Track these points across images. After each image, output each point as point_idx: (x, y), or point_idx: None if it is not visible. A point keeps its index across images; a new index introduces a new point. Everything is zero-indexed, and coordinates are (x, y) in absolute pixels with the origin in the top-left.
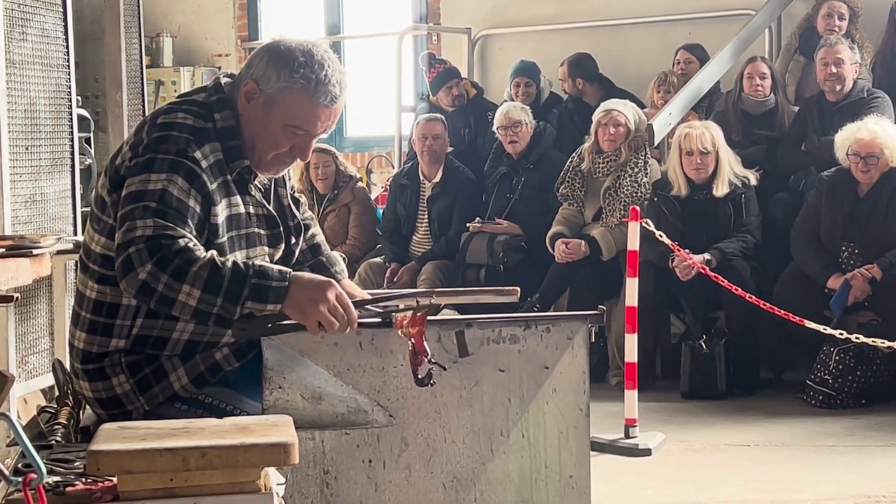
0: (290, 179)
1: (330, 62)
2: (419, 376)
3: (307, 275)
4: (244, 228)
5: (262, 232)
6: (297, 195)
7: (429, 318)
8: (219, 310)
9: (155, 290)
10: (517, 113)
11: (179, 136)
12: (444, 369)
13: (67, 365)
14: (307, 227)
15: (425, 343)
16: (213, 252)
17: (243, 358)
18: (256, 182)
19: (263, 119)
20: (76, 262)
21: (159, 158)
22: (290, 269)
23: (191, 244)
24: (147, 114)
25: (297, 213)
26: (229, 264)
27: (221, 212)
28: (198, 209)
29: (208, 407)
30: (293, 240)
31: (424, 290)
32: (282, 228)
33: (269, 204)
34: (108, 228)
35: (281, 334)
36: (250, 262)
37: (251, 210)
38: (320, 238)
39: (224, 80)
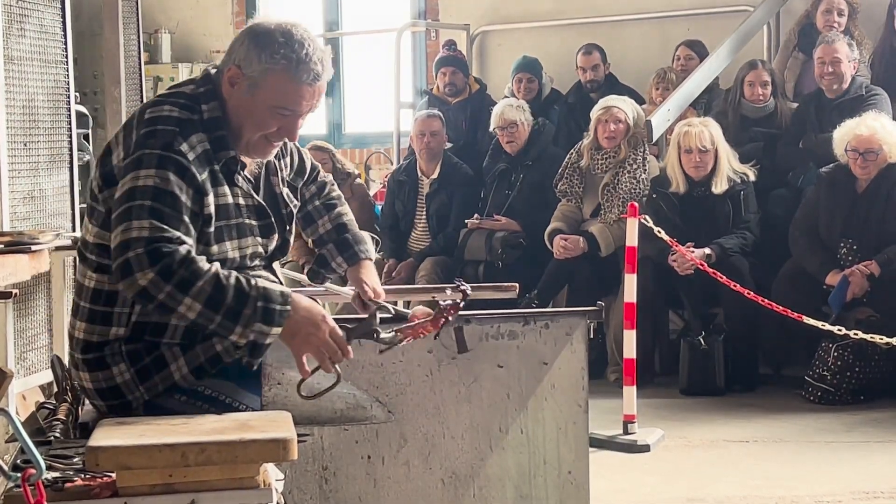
0: (285, 168)
1: (310, 41)
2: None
3: (304, 302)
4: (234, 219)
5: (252, 223)
6: (323, 177)
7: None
8: (216, 326)
9: (155, 298)
10: (512, 113)
11: (165, 130)
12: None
13: (67, 357)
14: (332, 206)
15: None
16: (216, 265)
17: (244, 349)
18: (245, 173)
19: (249, 102)
20: (75, 258)
21: (147, 154)
22: (290, 292)
23: (192, 253)
24: None
25: (291, 201)
26: (232, 281)
27: (211, 203)
28: (189, 203)
29: (208, 399)
30: (287, 228)
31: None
32: (273, 219)
33: (257, 194)
34: (101, 218)
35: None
36: (252, 282)
37: (240, 201)
38: (347, 217)
39: (212, 71)
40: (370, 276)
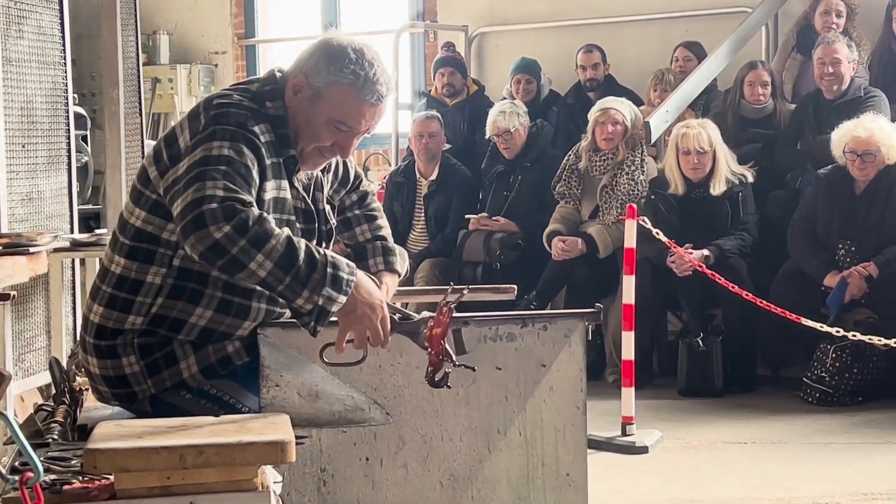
0: (327, 184)
1: (379, 63)
2: (436, 378)
3: (367, 281)
4: (285, 214)
5: (299, 225)
6: (365, 186)
7: (454, 313)
8: (284, 288)
9: (228, 252)
10: (504, 121)
11: (238, 112)
12: (474, 370)
13: (78, 339)
14: (373, 218)
15: (446, 345)
16: (287, 230)
17: (254, 353)
18: (300, 176)
19: (309, 112)
20: (73, 259)
21: (221, 129)
22: (356, 267)
23: (265, 214)
24: (146, 112)
25: (330, 219)
26: (303, 245)
27: (270, 190)
28: (257, 179)
29: (212, 398)
30: (325, 244)
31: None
32: (316, 225)
33: (308, 199)
34: (150, 203)
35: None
36: (322, 250)
37: (295, 202)
38: (387, 231)
39: (277, 74)
40: (392, 288)
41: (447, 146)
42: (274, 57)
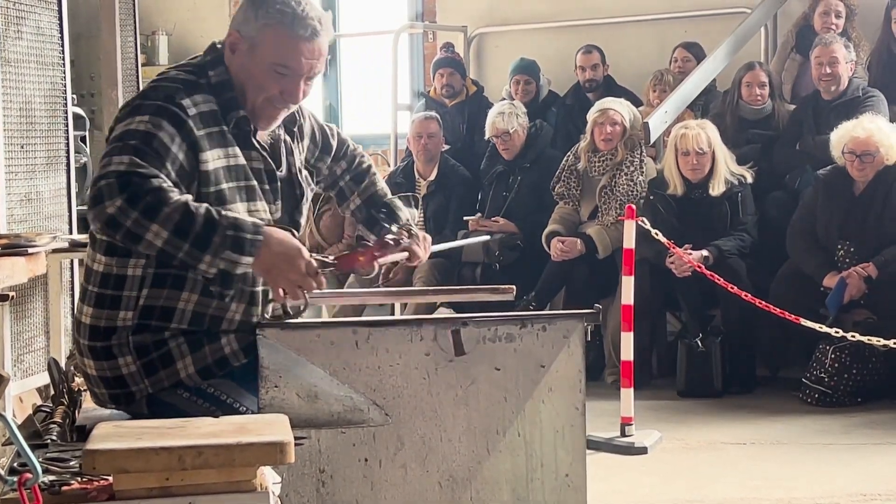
0: (303, 151)
1: (306, 0)
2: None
3: (278, 234)
4: (243, 181)
5: (264, 186)
6: (352, 150)
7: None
8: (184, 255)
9: (122, 225)
10: (503, 122)
11: (168, 86)
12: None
13: (73, 343)
14: (360, 180)
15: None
16: (188, 196)
17: (252, 354)
18: (259, 138)
19: (249, 64)
20: (72, 260)
21: (145, 104)
22: (263, 224)
23: (164, 184)
24: None
25: (309, 185)
26: (202, 210)
27: (213, 160)
28: (181, 156)
29: (210, 398)
30: (297, 208)
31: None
32: (279, 184)
33: (275, 165)
34: None
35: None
36: (223, 212)
37: (254, 165)
38: (374, 188)
39: (218, 44)
40: (421, 235)
41: (446, 147)
42: None
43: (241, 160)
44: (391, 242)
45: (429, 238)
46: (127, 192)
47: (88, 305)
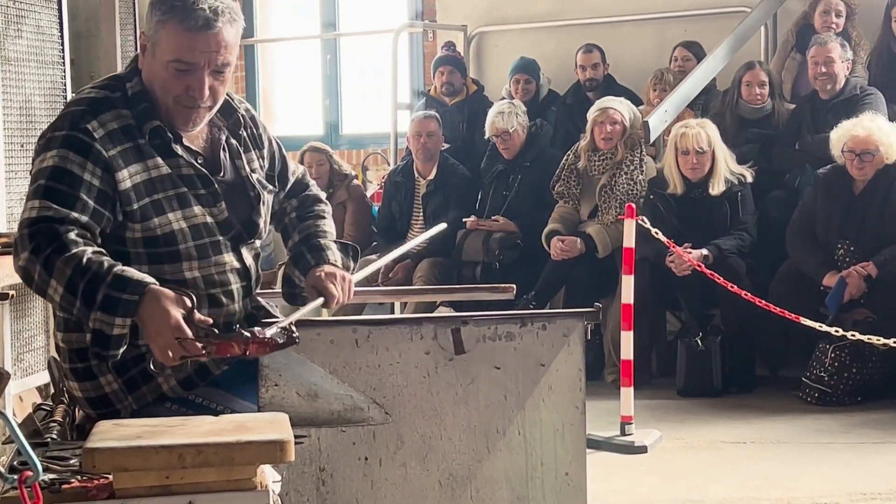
0: (254, 159)
1: None
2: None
3: (163, 294)
4: (171, 189)
5: (199, 191)
6: (308, 193)
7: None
8: (78, 312)
9: (33, 278)
10: (503, 122)
11: (74, 111)
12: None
13: (57, 370)
14: (304, 218)
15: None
16: (89, 249)
17: (233, 360)
18: (187, 145)
19: (154, 65)
20: None
21: (55, 136)
22: (155, 282)
23: (70, 233)
24: None
25: (265, 187)
26: (94, 266)
27: (130, 176)
28: (96, 182)
29: (198, 407)
30: (254, 209)
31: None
32: (217, 187)
33: (215, 171)
34: None
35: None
36: (116, 268)
37: (183, 171)
38: (314, 229)
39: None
40: (327, 279)
41: (446, 146)
42: (273, 57)
43: (166, 169)
44: (275, 339)
45: (351, 278)
46: (32, 244)
47: (58, 330)
